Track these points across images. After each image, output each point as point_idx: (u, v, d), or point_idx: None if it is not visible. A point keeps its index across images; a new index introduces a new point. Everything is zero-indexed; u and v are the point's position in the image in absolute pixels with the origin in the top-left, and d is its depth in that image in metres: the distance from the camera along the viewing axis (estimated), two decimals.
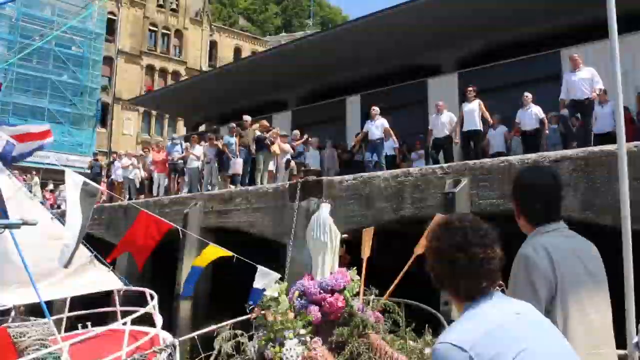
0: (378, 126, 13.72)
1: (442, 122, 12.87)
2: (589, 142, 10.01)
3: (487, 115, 12.40)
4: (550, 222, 2.43)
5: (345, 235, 5.53)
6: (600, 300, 2.36)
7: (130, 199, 17.82)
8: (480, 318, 1.67)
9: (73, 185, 6.04)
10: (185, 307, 12.13)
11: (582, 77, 10.51)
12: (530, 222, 2.48)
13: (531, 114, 12.00)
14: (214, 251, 6.89)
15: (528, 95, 12.15)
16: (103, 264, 7.62)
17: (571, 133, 10.91)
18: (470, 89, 12.54)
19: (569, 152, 7.96)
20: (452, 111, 13.27)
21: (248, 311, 4.93)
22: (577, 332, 2.23)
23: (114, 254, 7.58)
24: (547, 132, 12.24)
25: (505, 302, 1.77)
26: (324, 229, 4.92)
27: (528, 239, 2.44)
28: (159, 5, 46.97)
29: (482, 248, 1.74)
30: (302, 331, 4.25)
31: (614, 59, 3.17)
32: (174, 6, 47.95)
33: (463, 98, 14.93)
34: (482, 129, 12.48)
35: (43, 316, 5.77)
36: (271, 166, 14.97)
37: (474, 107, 12.27)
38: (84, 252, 7.50)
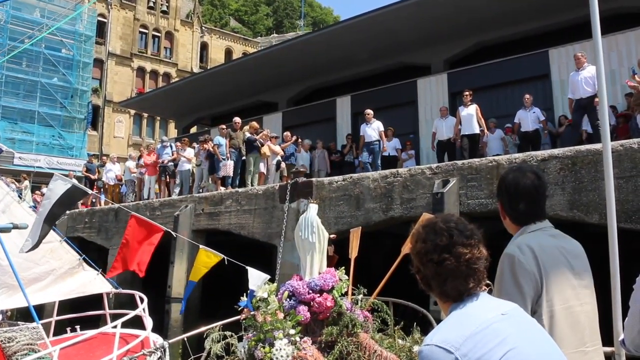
0: (374, 129, 13.96)
1: (448, 125, 13.18)
2: (597, 140, 9.59)
3: (482, 121, 12.63)
4: (535, 222, 2.43)
5: (332, 235, 5.52)
6: (586, 298, 2.36)
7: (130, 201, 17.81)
8: (467, 319, 1.65)
9: (55, 189, 6.02)
10: (175, 309, 12.12)
11: (585, 76, 10.34)
12: (515, 222, 2.48)
13: (535, 115, 12.11)
14: (206, 261, 6.85)
15: (529, 97, 12.27)
16: (92, 267, 7.59)
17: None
18: (467, 93, 12.73)
19: (556, 151, 8.00)
20: None
21: (242, 310, 4.91)
22: (564, 331, 2.23)
23: (113, 271, 7.41)
24: (546, 132, 12.34)
25: (491, 303, 1.75)
26: (312, 229, 4.91)
27: (513, 238, 2.43)
28: (150, 7, 46.82)
29: (468, 248, 1.72)
30: (292, 331, 4.25)
31: (597, 58, 3.18)
32: (164, 8, 47.81)
33: (453, 98, 15.07)
34: (479, 132, 12.67)
35: (32, 320, 5.73)
36: (262, 168, 14.96)
37: (472, 112, 12.49)
38: (73, 256, 7.48)
